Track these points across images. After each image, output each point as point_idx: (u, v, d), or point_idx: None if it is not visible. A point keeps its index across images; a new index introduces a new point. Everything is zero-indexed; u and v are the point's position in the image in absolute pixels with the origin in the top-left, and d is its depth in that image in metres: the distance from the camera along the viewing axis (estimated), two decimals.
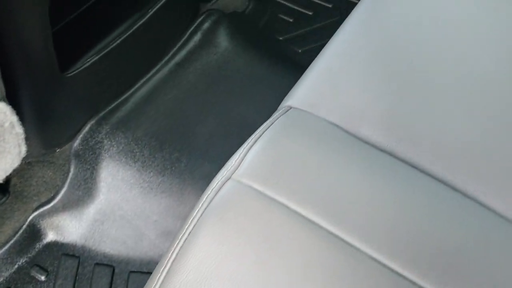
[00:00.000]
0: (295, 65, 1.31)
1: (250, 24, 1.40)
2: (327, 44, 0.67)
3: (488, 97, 0.59)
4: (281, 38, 1.41)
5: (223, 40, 1.24)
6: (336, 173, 0.51)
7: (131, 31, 0.99)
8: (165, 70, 1.15)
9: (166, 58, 1.15)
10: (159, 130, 1.07)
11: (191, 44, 1.20)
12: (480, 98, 0.59)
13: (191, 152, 1.06)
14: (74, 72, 0.91)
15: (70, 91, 0.93)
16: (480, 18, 0.68)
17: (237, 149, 0.58)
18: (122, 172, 1.04)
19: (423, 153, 0.55)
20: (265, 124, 0.56)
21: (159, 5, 1.04)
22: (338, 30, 0.69)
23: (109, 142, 1.04)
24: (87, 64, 0.93)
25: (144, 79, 1.11)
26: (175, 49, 1.18)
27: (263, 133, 0.54)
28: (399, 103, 0.58)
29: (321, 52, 0.66)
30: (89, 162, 1.03)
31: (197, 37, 1.22)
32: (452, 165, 0.55)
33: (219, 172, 0.52)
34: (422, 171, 0.54)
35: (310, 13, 1.48)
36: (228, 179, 0.50)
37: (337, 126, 0.57)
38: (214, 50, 1.22)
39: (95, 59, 0.93)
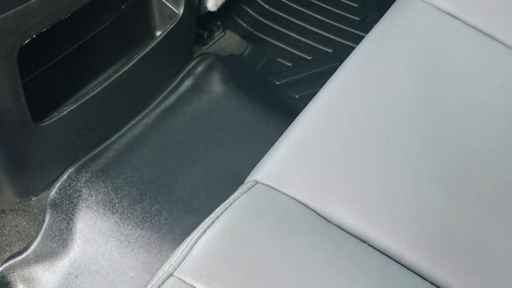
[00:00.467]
0: (290, 111, 1.25)
1: (247, 68, 1.35)
2: (304, 109, 0.62)
3: (474, 180, 0.54)
4: (278, 83, 1.36)
5: (216, 85, 1.20)
6: (299, 264, 0.45)
7: (113, 78, 0.95)
8: (152, 115, 1.10)
9: (154, 104, 1.11)
10: (140, 180, 1.02)
11: (181, 89, 1.16)
12: (466, 180, 0.54)
13: (173, 205, 1.01)
14: (49, 122, 0.87)
15: (45, 140, 0.89)
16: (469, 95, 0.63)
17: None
18: (100, 223, 0.99)
19: (401, 243, 0.49)
20: (223, 204, 0.51)
21: (147, 49, 1.00)
22: (318, 93, 0.64)
23: (87, 191, 0.99)
24: (64, 113, 0.88)
25: (129, 125, 1.07)
26: (164, 94, 1.13)
27: (218, 216, 0.48)
28: (377, 184, 0.53)
29: (297, 118, 0.61)
30: (66, 212, 0.98)
31: (188, 82, 1.17)
32: (435, 257, 0.49)
33: (162, 266, 0.46)
34: (400, 262, 0.48)
35: (309, 58, 1.43)
36: (170, 275, 0.44)
37: (306, 206, 0.52)
38: (206, 95, 1.17)
39: (72, 107, 0.89)
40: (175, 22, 1.05)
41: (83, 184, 1.00)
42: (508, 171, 0.58)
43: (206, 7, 1.18)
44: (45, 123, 0.87)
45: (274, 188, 0.53)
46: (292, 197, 0.52)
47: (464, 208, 0.52)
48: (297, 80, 1.38)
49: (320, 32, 1.48)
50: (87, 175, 1.00)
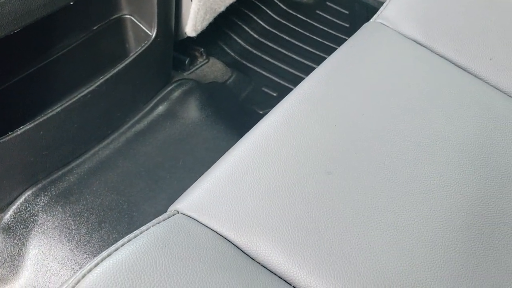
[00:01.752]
0: None
1: (229, 96, 1.31)
2: (243, 137, 0.57)
3: (421, 215, 0.47)
4: (261, 112, 1.31)
5: (191, 111, 1.15)
6: None
7: (75, 98, 0.91)
8: (121, 140, 1.05)
9: (124, 128, 1.07)
10: (101, 206, 0.97)
11: (155, 114, 1.12)
12: (413, 216, 0.47)
13: None
14: (2, 141, 0.83)
15: None
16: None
17: None
18: (55, 250, 0.93)
19: (330, 285, 0.43)
20: (133, 233, 0.45)
21: (114, 71, 0.96)
22: (262, 119, 0.59)
23: (44, 216, 0.94)
24: (18, 132, 0.84)
25: (96, 148, 1.02)
26: (136, 118, 1.09)
27: (117, 248, 0.42)
28: (309, 220, 0.46)
29: (233, 146, 0.56)
30: (19, 237, 0.92)
31: (163, 107, 1.13)
32: None
33: None
34: None
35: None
36: None
37: (228, 240, 0.45)
38: (180, 121, 1.13)
39: (28, 127, 0.85)
40: (147, 45, 1.01)
41: (41, 208, 0.95)
42: (461, 203, 0.52)
43: (185, 32, 1.14)
44: None
45: (195, 219, 0.47)
46: (213, 230, 0.46)
47: (406, 249, 0.46)
48: None
49: (308, 63, 1.44)
50: (46, 199, 0.95)
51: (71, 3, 0.78)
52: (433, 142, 0.55)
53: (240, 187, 0.49)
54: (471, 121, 0.59)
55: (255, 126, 0.59)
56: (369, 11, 1.60)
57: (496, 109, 0.62)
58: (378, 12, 0.73)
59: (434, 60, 0.66)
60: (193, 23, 1.11)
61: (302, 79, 1.40)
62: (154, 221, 0.47)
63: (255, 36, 1.49)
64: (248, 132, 0.59)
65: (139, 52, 1.00)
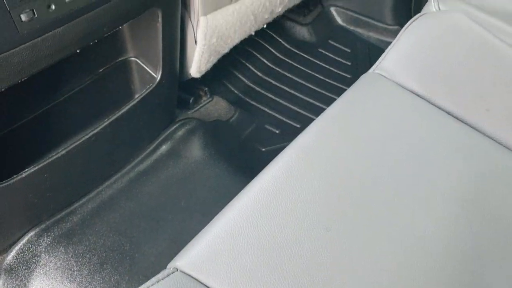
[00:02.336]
0: None
1: (232, 134, 1.32)
2: (242, 190, 0.57)
3: (421, 269, 0.47)
4: (263, 149, 1.32)
5: (194, 150, 1.16)
6: None
7: (80, 141, 0.92)
8: (124, 180, 1.06)
9: (127, 168, 1.07)
10: (103, 247, 0.97)
11: (158, 153, 1.13)
12: (413, 269, 0.47)
13: (133, 276, 0.94)
14: (8, 183, 0.83)
15: (3, 202, 0.85)
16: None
17: None
18: None
19: None
20: None
21: (118, 114, 0.97)
22: (261, 172, 0.60)
23: (46, 257, 0.94)
24: (24, 175, 0.85)
25: (99, 188, 1.03)
26: (139, 158, 1.10)
27: None
28: (309, 275, 0.46)
29: (233, 199, 0.56)
30: (21, 278, 0.92)
31: (166, 146, 1.14)
32: None
33: None
34: None
35: (298, 126, 1.40)
36: None
37: None
38: (183, 160, 1.13)
39: (33, 169, 0.86)
40: (152, 87, 1.02)
41: (43, 249, 0.95)
42: (458, 258, 0.51)
43: (190, 74, 1.16)
44: (2, 185, 0.83)
45: (194, 278, 0.47)
46: None
47: None
48: (284, 147, 1.33)
49: (311, 100, 1.45)
50: (48, 239, 0.95)
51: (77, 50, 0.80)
52: (430, 194, 0.55)
53: (238, 244, 0.50)
54: (468, 172, 0.59)
55: (254, 179, 0.60)
56: (371, 50, 1.62)
57: (493, 160, 0.63)
58: (377, 63, 0.75)
59: (431, 112, 0.66)
60: (197, 65, 1.12)
61: (304, 116, 1.42)
62: (153, 279, 0.47)
63: (259, 74, 1.51)
64: (247, 185, 0.59)
65: (144, 94, 1.01)
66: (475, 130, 0.66)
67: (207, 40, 1.08)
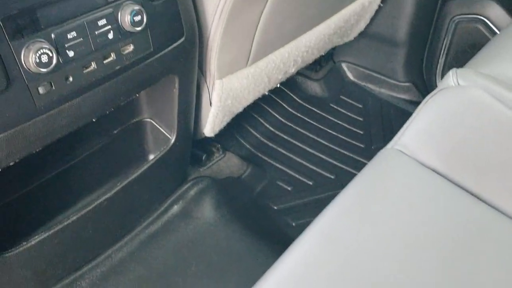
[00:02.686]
0: (285, 240, 1.18)
1: (244, 191, 1.30)
2: (262, 279, 0.54)
3: None
4: (275, 208, 1.29)
5: (206, 211, 1.13)
6: None
7: (92, 206, 0.90)
8: (134, 242, 1.03)
9: (137, 230, 1.05)
10: None
11: (169, 214, 1.10)
12: None
13: None
14: (15, 252, 0.81)
15: (10, 272, 0.82)
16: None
17: None
18: None
19: None
20: None
21: (131, 177, 0.95)
22: (279, 260, 0.57)
23: None
24: (33, 242, 0.83)
25: (109, 251, 1.00)
26: (150, 219, 1.07)
27: None
28: None
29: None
30: None
31: (178, 207, 1.11)
32: None
33: None
34: None
35: (310, 183, 1.37)
36: None
37: None
38: (194, 221, 1.11)
39: (43, 236, 0.84)
40: (166, 149, 1.01)
41: None
42: None
43: (203, 133, 1.15)
44: (10, 253, 0.81)
45: None
46: None
47: None
48: (296, 206, 1.31)
49: (323, 157, 1.44)
50: None
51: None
52: (453, 281, 0.52)
53: None
54: (491, 257, 0.56)
55: (272, 268, 0.57)
56: (383, 106, 1.61)
57: None
58: (396, 138, 0.73)
59: (454, 192, 0.64)
60: (211, 125, 1.11)
61: (317, 173, 1.40)
62: None
63: (271, 129, 1.50)
64: (263, 276, 0.56)
65: (158, 157, 1.00)
66: (499, 213, 0.63)
67: (222, 102, 1.07)
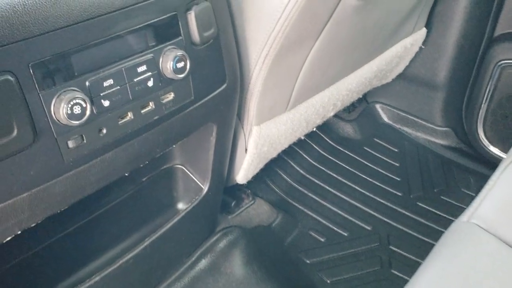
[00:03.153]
0: None
1: (274, 242, 1.19)
2: None
3: None
4: (308, 262, 1.19)
5: (236, 266, 1.03)
6: None
7: (117, 264, 0.80)
8: None
9: (163, 286, 0.95)
10: None
11: (197, 269, 1.00)
12: None
13: None
14: None
15: None
16: None
17: None
18: None
19: None
20: None
21: (159, 233, 0.86)
22: None
23: None
24: None
25: None
26: (177, 274, 0.97)
27: None
28: None
29: None
30: None
31: (206, 261, 1.01)
32: None
33: None
34: None
35: (345, 234, 1.27)
36: None
37: None
38: (224, 278, 1.01)
39: None
40: (198, 199, 0.92)
41: None
42: None
43: (235, 180, 1.06)
44: None
45: None
46: None
47: None
48: (331, 260, 1.20)
49: (358, 205, 1.33)
50: None
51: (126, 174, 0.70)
52: None
53: None
54: None
55: None
56: (420, 151, 1.51)
57: None
58: (471, 210, 0.63)
59: None
60: (245, 172, 1.02)
61: (352, 223, 1.29)
62: None
63: (302, 172, 1.41)
64: None
65: (189, 208, 0.90)
66: None
67: (258, 149, 0.98)
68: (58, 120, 0.56)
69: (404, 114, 1.56)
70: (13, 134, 0.53)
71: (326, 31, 0.85)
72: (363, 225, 1.28)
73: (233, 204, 1.18)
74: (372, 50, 1.11)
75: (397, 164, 1.46)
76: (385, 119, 1.58)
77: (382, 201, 1.34)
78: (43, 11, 0.52)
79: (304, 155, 1.45)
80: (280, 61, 0.84)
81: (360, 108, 1.59)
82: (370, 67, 1.16)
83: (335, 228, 1.27)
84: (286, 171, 1.40)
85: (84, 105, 0.57)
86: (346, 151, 1.49)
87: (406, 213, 1.31)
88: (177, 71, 0.66)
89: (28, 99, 0.53)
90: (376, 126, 1.57)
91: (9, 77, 0.51)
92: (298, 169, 1.42)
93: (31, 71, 0.53)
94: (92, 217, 0.84)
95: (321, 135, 1.51)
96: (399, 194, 1.37)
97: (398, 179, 1.41)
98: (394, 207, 1.33)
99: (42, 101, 0.55)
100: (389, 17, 1.01)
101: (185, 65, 0.66)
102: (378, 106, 1.59)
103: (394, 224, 1.29)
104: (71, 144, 0.59)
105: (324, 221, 1.29)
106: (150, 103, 0.66)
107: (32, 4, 0.52)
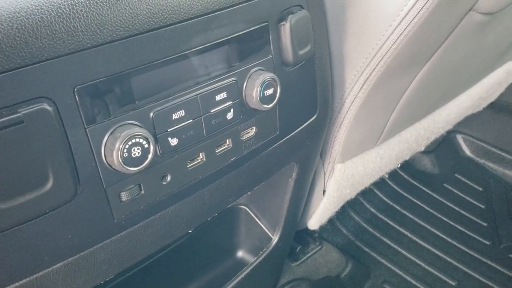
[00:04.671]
0: None
1: None
2: None
3: None
4: None
5: None
6: None
7: None
8: None
9: None
10: None
11: None
12: None
13: None
14: None
15: None
16: None
17: None
18: None
19: None
20: None
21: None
22: None
23: None
24: None
25: None
26: None
27: None
28: None
29: None
30: None
31: None
32: None
33: None
34: None
35: None
36: None
37: None
38: None
39: None
40: (266, 252, 0.75)
41: None
42: None
43: (306, 225, 0.89)
44: None
45: None
46: None
47: None
48: None
49: (440, 254, 1.13)
50: None
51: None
52: None
53: None
54: None
55: None
56: (508, 190, 1.30)
57: None
58: None
59: None
60: (319, 218, 0.85)
61: (434, 277, 1.09)
62: None
63: (373, 211, 1.22)
64: None
65: (255, 263, 0.73)
66: None
67: (339, 191, 0.80)
68: (110, 165, 0.40)
69: (490, 148, 1.35)
70: (47, 186, 0.37)
71: (439, 51, 0.67)
72: (446, 279, 1.08)
73: (298, 249, 1.00)
74: (476, 75, 0.92)
75: (482, 206, 1.26)
76: (467, 152, 1.38)
77: (466, 250, 1.14)
78: (99, 14, 0.37)
79: (376, 191, 1.26)
80: (381, 87, 0.66)
81: (439, 138, 1.39)
82: (469, 95, 0.97)
83: (413, 282, 1.08)
84: (356, 210, 1.21)
85: (146, 146, 0.41)
86: (424, 188, 1.29)
87: (497, 266, 1.10)
88: (264, 100, 0.49)
89: (70, 136, 0.38)
90: (457, 160, 1.37)
91: (46, 106, 0.36)
92: (368, 206, 1.23)
93: (76, 98, 0.38)
94: (142, 267, 0.68)
95: (396, 168, 1.32)
96: (487, 243, 1.16)
97: (485, 224, 1.20)
98: (483, 259, 1.12)
99: (90, 140, 0.39)
100: (505, 36, 0.82)
101: (275, 92, 0.50)
102: (459, 137, 1.39)
103: (482, 279, 1.09)
104: (124, 196, 0.43)
105: (400, 272, 1.09)
106: (227, 141, 0.50)
107: (84, 5, 0.37)
